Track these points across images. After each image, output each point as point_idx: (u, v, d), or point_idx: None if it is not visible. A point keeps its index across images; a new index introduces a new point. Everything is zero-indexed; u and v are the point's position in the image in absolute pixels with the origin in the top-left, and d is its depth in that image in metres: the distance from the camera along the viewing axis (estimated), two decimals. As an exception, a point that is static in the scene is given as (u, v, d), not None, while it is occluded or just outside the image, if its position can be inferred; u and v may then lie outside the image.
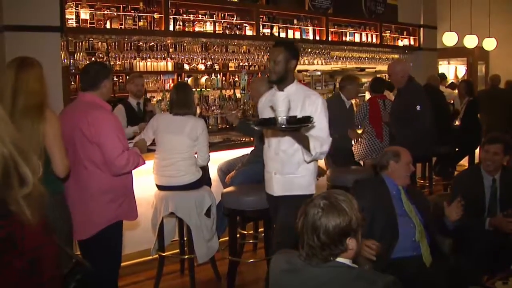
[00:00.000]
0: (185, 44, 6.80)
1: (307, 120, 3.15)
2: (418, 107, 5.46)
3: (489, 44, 10.42)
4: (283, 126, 3.06)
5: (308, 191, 3.68)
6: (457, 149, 8.17)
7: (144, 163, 3.69)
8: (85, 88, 3.61)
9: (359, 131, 6.01)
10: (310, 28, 7.50)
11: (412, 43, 9.24)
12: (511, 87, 9.21)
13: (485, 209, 4.05)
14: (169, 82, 8.70)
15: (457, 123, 8.25)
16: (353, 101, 6.62)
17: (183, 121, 4.39)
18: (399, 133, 5.62)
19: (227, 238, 4.69)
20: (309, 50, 7.91)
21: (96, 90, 3.57)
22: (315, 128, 3.47)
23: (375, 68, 10.10)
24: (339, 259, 2.05)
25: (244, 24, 6.69)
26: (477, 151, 8.70)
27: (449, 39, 9.43)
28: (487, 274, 3.53)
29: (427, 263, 3.46)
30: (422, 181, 7.69)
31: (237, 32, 6.62)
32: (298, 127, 3.23)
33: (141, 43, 6.46)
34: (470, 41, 10.03)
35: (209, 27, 6.40)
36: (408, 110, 5.51)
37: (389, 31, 8.87)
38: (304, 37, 7.41)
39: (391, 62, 6.03)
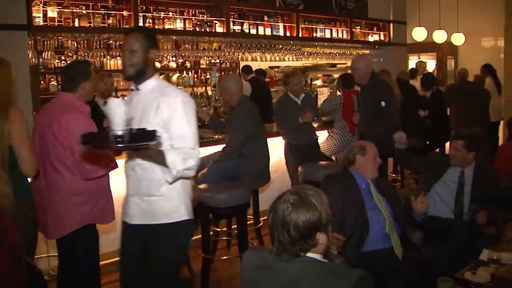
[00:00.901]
0: (155, 42, 6.73)
1: (147, 137, 2.40)
2: (383, 103, 5.36)
3: (458, 39, 10.56)
4: (117, 145, 2.29)
5: (173, 218, 3.01)
6: (427, 142, 8.26)
7: (117, 166, 3.60)
8: (63, 89, 3.58)
9: (315, 125, 6.02)
10: (281, 25, 7.50)
11: (382, 38, 9.31)
12: (479, 81, 9.33)
13: (453, 197, 4.17)
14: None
15: (422, 113, 8.29)
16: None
17: None
18: (367, 130, 5.59)
19: (200, 236, 4.68)
20: (280, 46, 7.92)
21: (75, 92, 3.53)
22: (175, 137, 2.90)
23: (346, 63, 10.16)
24: (309, 254, 2.06)
25: (214, 21, 6.66)
26: (447, 144, 8.82)
27: (418, 34, 9.53)
28: (456, 265, 3.60)
29: (399, 255, 3.50)
30: (394, 175, 7.77)
31: (208, 29, 6.58)
32: (133, 146, 2.41)
33: (110, 41, 6.39)
34: (439, 36, 10.15)
35: (179, 25, 6.35)
36: (373, 107, 5.43)
37: (359, 27, 8.92)
38: (274, 33, 7.40)
39: (354, 58, 5.96)
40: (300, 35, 7.75)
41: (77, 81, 3.52)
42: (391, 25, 9.36)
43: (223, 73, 9.29)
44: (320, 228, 2.03)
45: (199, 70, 9.88)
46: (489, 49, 11.62)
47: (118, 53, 6.52)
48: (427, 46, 11.11)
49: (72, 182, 3.44)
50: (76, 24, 5.53)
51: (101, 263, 3.92)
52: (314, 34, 8.10)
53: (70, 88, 3.53)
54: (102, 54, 6.53)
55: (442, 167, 4.27)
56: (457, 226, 3.98)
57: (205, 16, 6.66)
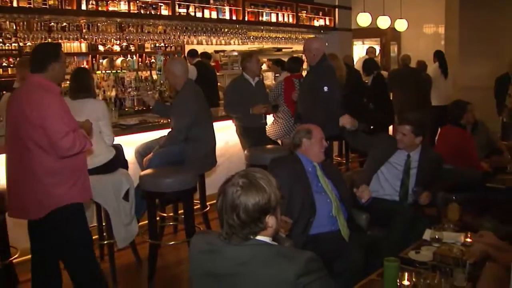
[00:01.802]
0: (99, 24, 6.56)
1: None
2: (325, 88, 5.32)
3: (401, 25, 10.72)
4: None
5: None
6: (371, 127, 8.40)
7: (91, 145, 3.60)
8: (32, 70, 3.47)
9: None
10: (227, 8, 7.44)
11: (327, 23, 9.38)
12: (421, 67, 9.55)
13: (399, 180, 4.26)
14: (83, 64, 8.43)
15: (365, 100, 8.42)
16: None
17: (82, 103, 4.28)
18: (305, 112, 5.56)
19: (147, 221, 4.63)
20: (226, 30, 7.86)
21: (45, 72, 3.44)
22: None
23: (291, 48, 10.21)
24: (259, 237, 2.05)
25: (160, 4, 6.54)
26: (390, 128, 9.01)
27: (363, 19, 9.61)
28: (401, 245, 3.68)
29: (345, 237, 3.55)
30: (339, 158, 7.88)
31: (152, 12, 6.46)
32: None
33: (52, 23, 6.17)
34: (383, 22, 10.27)
35: (123, 7, 6.19)
36: (315, 89, 5.39)
37: (305, 11, 8.95)
38: (220, 17, 7.33)
39: (308, 38, 5.95)
40: (246, 19, 7.71)
41: (46, 61, 3.44)
42: (337, 10, 9.46)
43: (168, 57, 9.16)
44: (270, 211, 2.03)
45: (144, 54, 9.71)
46: (431, 36, 11.90)
47: (60, 36, 6.30)
48: (371, 32, 11.26)
49: (48, 161, 3.37)
50: (15, 4, 5.32)
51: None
52: (260, 18, 8.08)
53: (39, 68, 3.44)
54: (43, 37, 6.29)
55: (390, 149, 4.34)
56: (401, 208, 4.07)
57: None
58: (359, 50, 11.68)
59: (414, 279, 2.73)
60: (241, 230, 2.02)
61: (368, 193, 3.77)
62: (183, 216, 4.76)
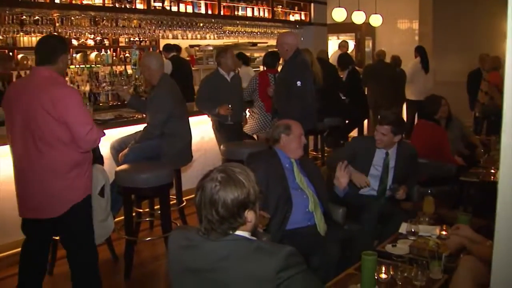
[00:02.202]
0: (72, 18, 6.45)
1: None
2: (298, 83, 5.35)
3: (376, 20, 10.77)
4: None
5: None
6: (347, 121, 8.47)
7: (105, 134, 3.57)
8: (41, 62, 3.37)
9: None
10: (202, 2, 7.38)
11: (303, 18, 9.39)
12: (396, 62, 9.64)
13: (378, 178, 4.28)
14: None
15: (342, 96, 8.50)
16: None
17: None
18: (280, 107, 5.57)
19: (123, 217, 4.59)
20: (201, 24, 7.82)
21: (54, 65, 3.36)
22: None
23: (267, 42, 10.20)
24: (238, 232, 2.05)
25: (134, -3, 6.47)
26: (365, 122, 9.08)
27: (338, 14, 9.63)
28: (377, 239, 3.72)
29: (322, 232, 3.56)
30: (314, 153, 7.92)
31: (128, 6, 6.37)
32: None
33: (24, 16, 6.05)
34: (358, 17, 10.31)
35: (97, 0, 6.10)
36: (288, 85, 5.42)
37: (280, 6, 8.95)
38: (196, 11, 7.28)
39: (282, 33, 5.92)
40: (222, 13, 7.67)
41: (56, 54, 3.38)
42: (312, 5, 9.47)
43: (143, 51, 9.09)
44: (249, 206, 2.02)
45: (118, 48, 9.62)
46: (405, 31, 11.99)
47: (33, 29, 6.18)
48: (346, 27, 11.31)
49: (70, 155, 3.36)
50: (-15, -3, 5.22)
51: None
52: (236, 13, 8.04)
53: (49, 61, 3.36)
54: (15, 30, 6.18)
55: (370, 150, 4.32)
56: (377, 202, 4.10)
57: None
58: (334, 45, 11.71)
59: (391, 272, 2.76)
60: (220, 225, 2.01)
61: (343, 180, 3.76)
62: (159, 212, 4.73)
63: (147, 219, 5.51)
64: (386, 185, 4.26)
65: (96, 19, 6.61)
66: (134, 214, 4.92)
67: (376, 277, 2.76)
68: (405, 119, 9.94)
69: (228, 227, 2.02)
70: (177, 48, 9.20)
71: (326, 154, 7.92)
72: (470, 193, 5.45)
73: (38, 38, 7.05)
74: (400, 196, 4.13)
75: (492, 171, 5.36)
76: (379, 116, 4.45)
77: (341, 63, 8.54)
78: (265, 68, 6.94)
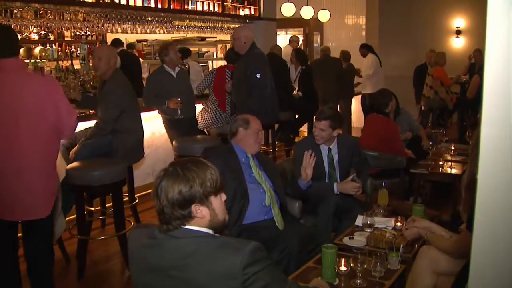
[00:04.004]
0: (15, 10, 6.22)
1: None
2: (258, 75, 5.38)
3: (324, 15, 10.88)
4: None
5: None
6: (297, 116, 8.53)
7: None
8: (7, 54, 3.17)
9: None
10: (152, -4, 7.28)
11: (253, 12, 9.39)
12: (344, 57, 9.77)
13: (325, 175, 4.29)
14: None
15: (295, 92, 8.59)
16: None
17: None
18: (239, 101, 5.58)
19: (74, 216, 4.48)
20: (150, 18, 7.69)
21: (18, 56, 3.32)
22: None
23: (216, 37, 10.15)
24: (198, 228, 2.02)
25: (82, -10, 6.28)
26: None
27: (287, 9, 9.68)
28: (334, 232, 3.76)
29: (280, 226, 3.56)
30: (265, 148, 7.92)
31: (75, -1, 6.20)
32: None
33: (-39, 7, 5.79)
34: (307, 12, 10.40)
35: (43, -8, 5.90)
36: (248, 78, 5.42)
37: (230, 0, 8.91)
38: (146, 4, 7.15)
39: (238, 27, 5.91)
40: (171, 7, 7.57)
41: (17, 45, 3.32)
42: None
43: (91, 46, 8.88)
44: (194, 201, 1.99)
45: (64, 43, 9.38)
46: (352, 26, 12.20)
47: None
48: (295, 22, 11.39)
49: (58, 144, 3.44)
50: None
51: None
52: (186, 7, 7.94)
53: (14, 52, 3.24)
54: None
55: (316, 150, 4.28)
56: (332, 196, 4.12)
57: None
58: (282, 40, 11.77)
59: (351, 264, 2.79)
60: (166, 217, 1.99)
61: (309, 170, 3.77)
62: (111, 210, 4.63)
63: (99, 217, 5.39)
64: (336, 179, 4.27)
65: (41, 12, 6.38)
66: (85, 212, 4.80)
67: (336, 270, 2.79)
68: (354, 113, 10.16)
69: (176, 220, 2.00)
70: (131, 45, 9.06)
71: (277, 149, 7.96)
72: (420, 185, 5.61)
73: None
74: (358, 192, 4.13)
75: (440, 163, 5.52)
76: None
77: (299, 59, 8.62)
78: (226, 63, 6.89)
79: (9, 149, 3.15)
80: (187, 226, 2.01)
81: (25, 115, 3.15)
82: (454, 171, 5.39)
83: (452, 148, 5.98)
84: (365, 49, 9.94)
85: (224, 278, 1.92)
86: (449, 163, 5.55)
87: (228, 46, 9.66)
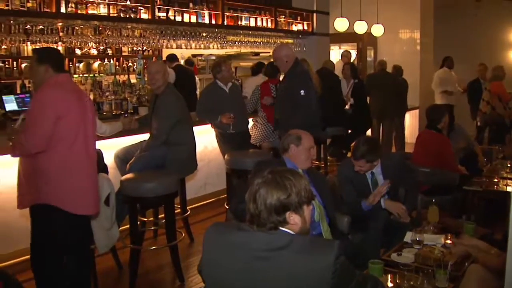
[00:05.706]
0: (76, 27, 6.49)
1: None
2: (302, 92, 5.38)
3: (377, 30, 10.83)
4: None
5: None
6: (349, 131, 8.51)
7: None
8: (61, 70, 3.61)
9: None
10: (206, 12, 7.43)
11: (306, 28, 9.44)
12: (397, 71, 9.69)
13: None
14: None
15: (347, 107, 8.58)
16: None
17: None
18: (283, 118, 5.58)
19: (128, 226, 4.60)
20: (205, 34, 7.85)
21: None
22: None
23: (269, 52, 10.23)
24: (287, 230, 2.13)
25: (139, 7, 6.50)
26: (368, 132, 9.10)
27: (340, 24, 9.69)
28: (383, 248, 3.73)
29: (328, 241, 3.57)
30: (317, 162, 7.92)
31: (132, 16, 6.42)
32: None
33: (29, 25, 6.08)
34: (360, 27, 10.37)
35: (103, 10, 6.13)
36: (292, 95, 5.43)
37: (283, 16, 9.00)
38: (200, 21, 7.32)
39: (275, 48, 5.97)
40: (225, 23, 7.72)
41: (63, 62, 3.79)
42: (315, 15, 9.53)
43: (147, 61, 9.11)
44: (290, 208, 2.10)
45: (121, 58, 9.66)
46: (406, 41, 12.04)
47: (38, 39, 6.20)
48: (348, 37, 11.35)
49: None
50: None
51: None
52: (239, 23, 8.08)
53: (64, 69, 3.72)
54: (21, 40, 6.21)
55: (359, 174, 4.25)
56: (381, 212, 4.09)
57: (129, 1, 6.46)
58: (336, 55, 11.75)
59: (398, 281, 2.77)
60: (261, 220, 2.10)
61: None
62: (163, 221, 4.73)
63: (152, 228, 5.51)
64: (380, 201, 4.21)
65: (100, 29, 6.63)
66: (139, 223, 4.92)
67: (383, 286, 2.77)
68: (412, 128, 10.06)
69: (269, 224, 2.10)
70: (190, 62, 9.28)
71: (329, 164, 7.95)
72: (473, 202, 5.46)
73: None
74: (405, 219, 4.09)
75: (495, 180, 5.37)
76: (351, 146, 4.40)
77: (352, 72, 8.63)
78: (267, 78, 6.97)
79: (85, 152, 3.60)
80: (281, 228, 2.12)
81: (90, 123, 3.63)
82: (510, 188, 5.22)
83: (508, 165, 5.79)
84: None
85: (319, 270, 2.00)
86: (505, 181, 5.39)
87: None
